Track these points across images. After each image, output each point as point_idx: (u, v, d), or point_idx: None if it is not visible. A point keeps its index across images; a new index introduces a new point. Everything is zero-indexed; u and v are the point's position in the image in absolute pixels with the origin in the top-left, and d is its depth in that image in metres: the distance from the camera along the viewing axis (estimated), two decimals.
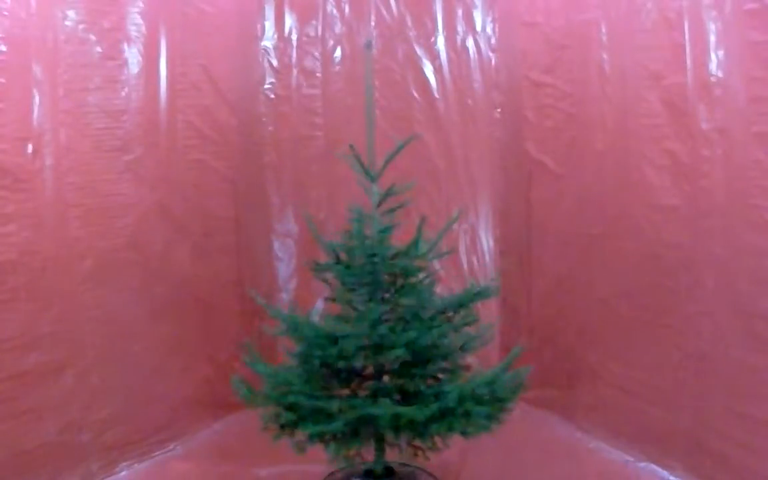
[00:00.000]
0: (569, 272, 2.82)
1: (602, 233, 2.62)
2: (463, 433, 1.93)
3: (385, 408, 1.85)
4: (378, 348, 1.93)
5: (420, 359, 2.00)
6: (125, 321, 2.53)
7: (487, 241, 3.13)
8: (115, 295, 2.49)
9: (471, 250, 3.12)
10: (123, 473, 2.49)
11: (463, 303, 2.08)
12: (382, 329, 1.92)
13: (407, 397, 1.96)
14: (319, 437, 1.92)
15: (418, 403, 1.88)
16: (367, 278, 2.03)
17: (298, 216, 3.11)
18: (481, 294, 2.09)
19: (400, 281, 2.09)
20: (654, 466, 2.39)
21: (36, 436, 2.21)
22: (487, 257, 3.13)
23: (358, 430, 1.93)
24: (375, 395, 1.96)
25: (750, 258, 2.03)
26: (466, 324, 2.07)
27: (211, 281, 2.92)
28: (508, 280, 3.10)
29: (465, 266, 3.11)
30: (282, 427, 1.96)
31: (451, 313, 2.08)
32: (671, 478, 2.32)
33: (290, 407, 1.93)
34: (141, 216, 2.58)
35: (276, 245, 3.15)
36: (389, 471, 2.21)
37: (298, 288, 3.13)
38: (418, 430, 1.91)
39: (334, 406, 1.89)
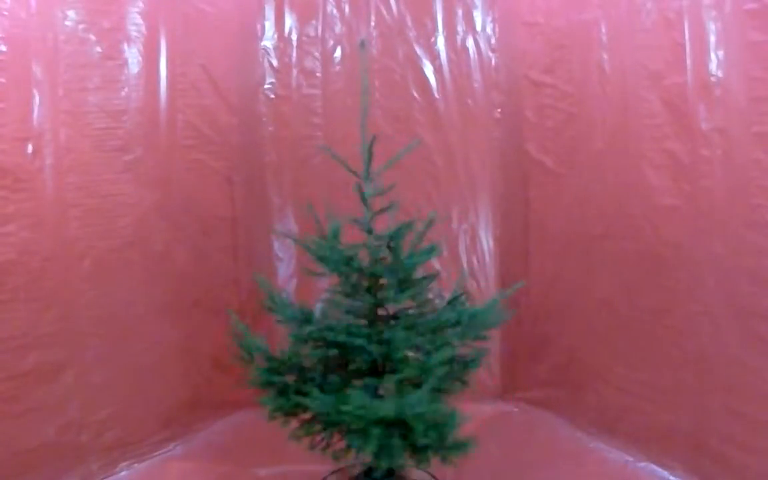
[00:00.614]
0: (569, 272, 2.82)
1: (602, 233, 2.62)
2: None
3: (313, 400, 1.85)
4: (321, 342, 1.97)
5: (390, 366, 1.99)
6: (125, 321, 2.53)
7: (487, 241, 3.13)
8: (115, 295, 2.49)
9: (471, 250, 3.12)
10: (123, 473, 2.49)
11: (459, 322, 2.05)
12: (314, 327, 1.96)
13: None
14: (279, 411, 1.96)
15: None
16: (344, 279, 2.04)
17: (298, 216, 3.12)
18: (481, 318, 2.07)
19: (388, 282, 2.09)
20: (654, 466, 2.39)
21: (36, 436, 2.21)
22: (487, 257, 3.14)
23: (319, 420, 1.95)
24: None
25: (750, 258, 2.03)
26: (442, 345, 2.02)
27: (211, 281, 2.92)
28: (508, 280, 3.10)
29: (465, 266, 3.11)
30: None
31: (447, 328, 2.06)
32: (671, 478, 2.32)
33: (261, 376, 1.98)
34: (141, 216, 2.58)
35: (276, 245, 3.15)
36: (389, 471, 2.20)
37: (298, 288, 3.13)
38: (360, 434, 1.88)
39: (291, 386, 1.92)
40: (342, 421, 1.83)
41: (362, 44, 2.17)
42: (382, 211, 2.11)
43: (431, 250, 2.08)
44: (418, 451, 1.87)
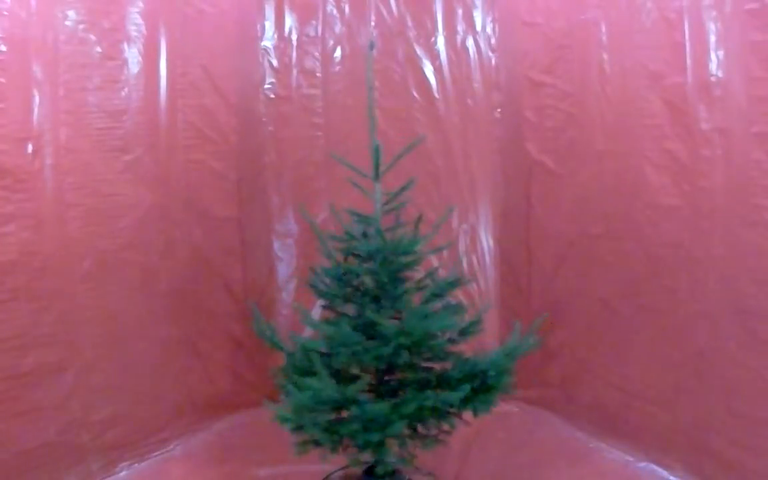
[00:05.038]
0: (569, 272, 2.82)
1: (602, 233, 2.62)
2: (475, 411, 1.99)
3: (413, 399, 1.87)
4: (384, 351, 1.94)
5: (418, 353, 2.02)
6: (125, 321, 2.53)
7: (487, 241, 3.13)
8: (115, 296, 2.49)
9: (471, 250, 3.12)
10: (123, 473, 2.49)
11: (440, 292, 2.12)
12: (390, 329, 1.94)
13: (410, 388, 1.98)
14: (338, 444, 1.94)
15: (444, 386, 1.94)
16: (368, 278, 2.04)
17: (298, 216, 3.11)
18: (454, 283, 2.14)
19: (399, 280, 2.09)
20: (654, 466, 2.39)
21: (36, 436, 2.21)
22: (487, 257, 3.14)
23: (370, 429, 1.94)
24: (380, 393, 1.98)
25: (750, 258, 2.03)
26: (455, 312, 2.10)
27: (211, 281, 2.92)
28: (508, 279, 3.10)
29: (465, 266, 3.11)
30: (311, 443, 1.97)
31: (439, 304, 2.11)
32: (671, 478, 2.32)
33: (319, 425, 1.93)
34: (141, 216, 2.58)
35: (276, 245, 3.15)
36: (389, 470, 2.20)
37: (298, 288, 3.13)
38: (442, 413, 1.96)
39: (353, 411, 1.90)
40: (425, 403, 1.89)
41: (371, 46, 2.16)
42: (392, 209, 2.12)
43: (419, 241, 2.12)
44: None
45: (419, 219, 2.18)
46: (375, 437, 1.86)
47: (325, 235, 2.18)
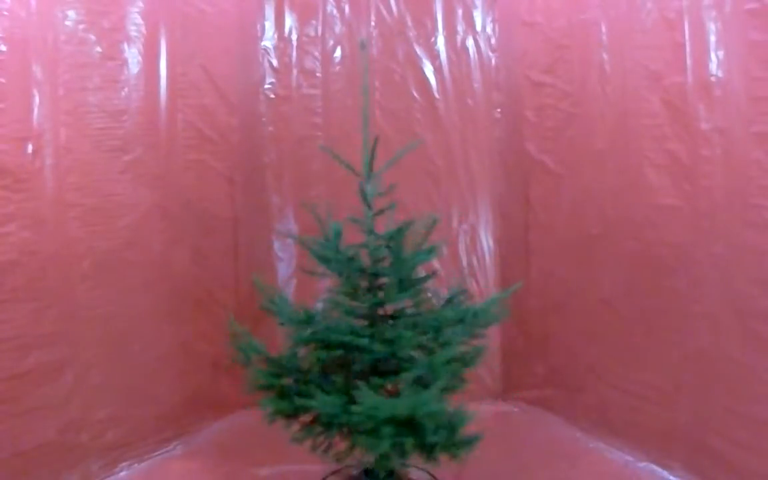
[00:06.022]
0: (569, 272, 2.82)
1: (602, 233, 2.62)
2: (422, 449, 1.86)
3: (318, 402, 1.83)
4: (323, 343, 1.95)
5: (393, 365, 1.97)
6: (125, 321, 2.53)
7: (487, 241, 3.13)
8: (115, 295, 2.49)
9: (471, 250, 3.12)
10: (123, 473, 2.49)
11: (462, 320, 2.06)
12: (328, 324, 1.94)
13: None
14: (280, 414, 1.96)
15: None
16: (345, 280, 2.04)
17: (298, 216, 3.12)
18: (482, 316, 2.07)
19: (389, 281, 2.08)
20: (654, 466, 2.39)
21: (36, 436, 2.21)
22: (487, 257, 3.14)
23: (321, 421, 1.94)
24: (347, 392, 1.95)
25: (750, 258, 2.03)
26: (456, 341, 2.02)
27: (211, 281, 2.92)
28: (508, 280, 3.10)
29: (465, 266, 3.11)
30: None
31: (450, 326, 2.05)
32: (671, 478, 2.32)
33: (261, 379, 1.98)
34: (141, 216, 2.58)
35: (276, 245, 3.15)
36: (388, 471, 2.20)
37: (298, 288, 3.13)
38: (371, 435, 1.85)
39: (292, 388, 1.91)
40: (350, 422, 1.81)
41: (362, 45, 2.17)
42: (383, 211, 2.11)
43: (431, 251, 2.09)
44: (428, 450, 1.85)
45: (433, 223, 2.15)
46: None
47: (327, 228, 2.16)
